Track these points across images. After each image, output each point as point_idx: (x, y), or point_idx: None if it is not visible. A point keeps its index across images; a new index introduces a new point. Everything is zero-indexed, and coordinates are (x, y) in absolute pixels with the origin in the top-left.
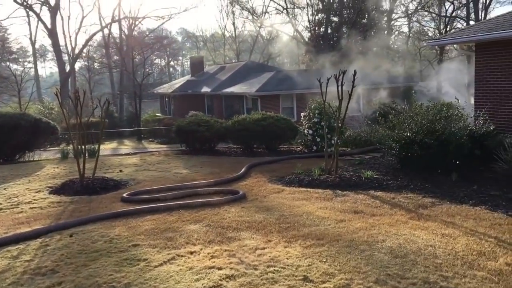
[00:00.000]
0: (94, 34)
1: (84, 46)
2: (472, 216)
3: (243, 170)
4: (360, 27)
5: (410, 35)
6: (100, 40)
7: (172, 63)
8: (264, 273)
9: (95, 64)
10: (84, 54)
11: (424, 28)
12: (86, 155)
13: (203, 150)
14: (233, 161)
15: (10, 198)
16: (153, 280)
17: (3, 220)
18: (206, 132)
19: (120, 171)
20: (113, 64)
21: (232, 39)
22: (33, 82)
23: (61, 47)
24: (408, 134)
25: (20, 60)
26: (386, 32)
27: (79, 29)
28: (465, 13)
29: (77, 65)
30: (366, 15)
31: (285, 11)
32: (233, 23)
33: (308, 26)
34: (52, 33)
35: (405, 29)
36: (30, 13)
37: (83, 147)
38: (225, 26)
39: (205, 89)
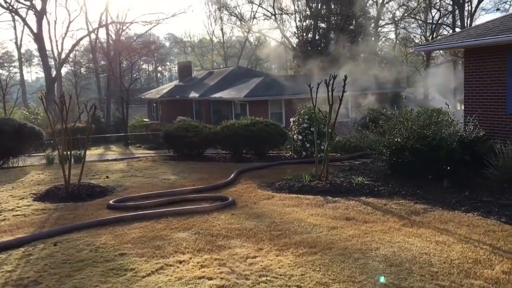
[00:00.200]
0: (81, 39)
1: (70, 51)
2: (465, 222)
3: (232, 176)
4: (347, 33)
5: (397, 41)
6: (87, 45)
7: (159, 68)
8: (256, 283)
9: (81, 69)
10: (70, 59)
11: (411, 34)
12: (72, 161)
13: (191, 155)
14: (222, 167)
15: None
16: None
17: None
18: (195, 138)
19: (107, 177)
20: (100, 69)
21: (220, 45)
22: (19, 87)
23: (47, 52)
24: (399, 140)
25: (6, 64)
26: (373, 38)
27: (65, 33)
28: (451, 20)
29: (64, 70)
30: (354, 22)
31: (273, 17)
32: (221, 29)
33: (296, 32)
34: (38, 38)
35: (392, 35)
36: (16, 17)
37: (68, 152)
38: (213, 32)
39: (193, 95)
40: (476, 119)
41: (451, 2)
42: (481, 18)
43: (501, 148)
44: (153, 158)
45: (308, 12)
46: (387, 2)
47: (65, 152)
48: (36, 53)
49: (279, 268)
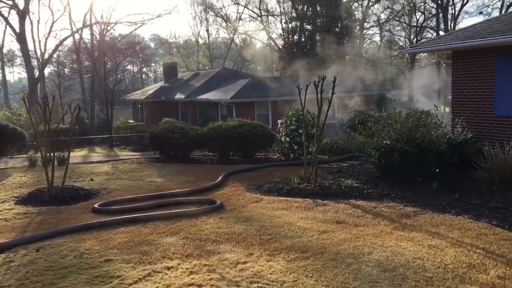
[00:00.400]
0: (65, 39)
1: (54, 51)
2: (457, 226)
3: (219, 178)
4: (333, 35)
5: (382, 43)
6: (70, 45)
7: (144, 69)
8: None
9: (65, 69)
10: (54, 59)
11: (395, 37)
12: (55, 163)
13: (177, 157)
14: (209, 169)
15: None
16: None
17: None
18: (181, 139)
19: (91, 179)
20: (84, 70)
21: (206, 46)
22: (1, 88)
23: (30, 52)
24: (388, 142)
25: None
26: (358, 40)
27: (49, 33)
28: (435, 23)
29: (47, 71)
30: (339, 24)
31: (259, 19)
32: (207, 30)
33: (282, 33)
34: (20, 38)
35: (377, 38)
36: None
37: (52, 154)
38: (198, 33)
39: (179, 96)
40: (464, 121)
41: (435, 6)
42: (464, 22)
43: (489, 150)
44: (138, 160)
45: (294, 14)
46: (372, 5)
47: (48, 154)
48: (18, 53)
49: (270, 274)
